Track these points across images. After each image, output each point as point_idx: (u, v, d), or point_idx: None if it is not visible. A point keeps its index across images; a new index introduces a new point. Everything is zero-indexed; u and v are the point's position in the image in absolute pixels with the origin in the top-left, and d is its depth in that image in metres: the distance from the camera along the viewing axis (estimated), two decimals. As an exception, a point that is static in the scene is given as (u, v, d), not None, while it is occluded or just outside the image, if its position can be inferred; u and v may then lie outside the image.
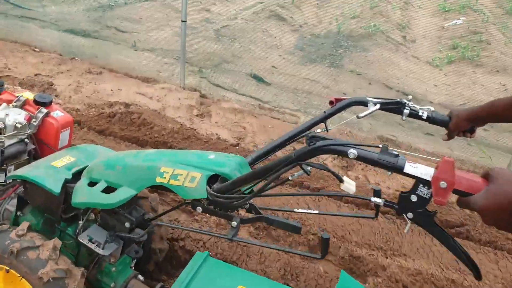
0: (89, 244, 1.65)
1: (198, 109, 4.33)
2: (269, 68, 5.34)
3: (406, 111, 1.75)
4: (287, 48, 5.92)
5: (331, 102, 1.97)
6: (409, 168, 0.90)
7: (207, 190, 1.31)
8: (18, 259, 1.52)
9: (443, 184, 0.84)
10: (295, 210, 1.18)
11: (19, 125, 1.99)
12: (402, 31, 6.47)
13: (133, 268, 1.86)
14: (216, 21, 6.47)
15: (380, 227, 2.94)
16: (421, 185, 0.89)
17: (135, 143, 3.58)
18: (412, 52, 6.07)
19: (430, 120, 1.65)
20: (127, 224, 1.65)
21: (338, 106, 1.96)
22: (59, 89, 4.27)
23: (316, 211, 1.23)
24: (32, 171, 1.73)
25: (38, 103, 2.08)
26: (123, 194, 1.49)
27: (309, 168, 1.06)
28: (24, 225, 1.62)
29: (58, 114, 2.13)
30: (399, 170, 0.92)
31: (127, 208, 1.69)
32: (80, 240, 1.68)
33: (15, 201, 1.88)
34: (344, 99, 1.97)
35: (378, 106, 1.82)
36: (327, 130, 1.87)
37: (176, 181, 1.36)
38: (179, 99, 4.41)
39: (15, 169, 2.03)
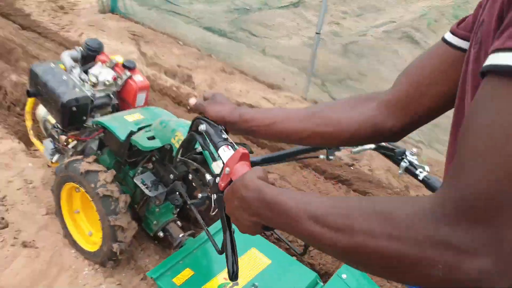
0: (140, 185, 2.03)
1: (317, 122, 4.39)
2: (394, 91, 5.17)
3: (404, 164, 1.52)
4: (416, 73, 5.66)
5: None
6: (220, 150, 0.92)
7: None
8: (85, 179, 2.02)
9: (227, 170, 0.85)
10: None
11: (107, 83, 2.38)
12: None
13: (175, 215, 2.23)
14: (345, 35, 6.45)
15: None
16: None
17: (256, 144, 3.78)
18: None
19: (425, 184, 1.49)
20: (171, 176, 1.96)
21: None
22: (196, 82, 4.70)
23: None
24: (109, 120, 2.13)
25: (125, 66, 2.45)
26: (152, 143, 1.91)
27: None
28: (92, 157, 2.12)
29: (138, 78, 2.47)
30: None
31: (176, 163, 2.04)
32: (135, 181, 2.07)
33: (97, 142, 2.31)
34: None
35: (372, 145, 1.57)
36: (328, 159, 1.62)
37: (178, 144, 1.74)
38: (301, 109, 4.52)
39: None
